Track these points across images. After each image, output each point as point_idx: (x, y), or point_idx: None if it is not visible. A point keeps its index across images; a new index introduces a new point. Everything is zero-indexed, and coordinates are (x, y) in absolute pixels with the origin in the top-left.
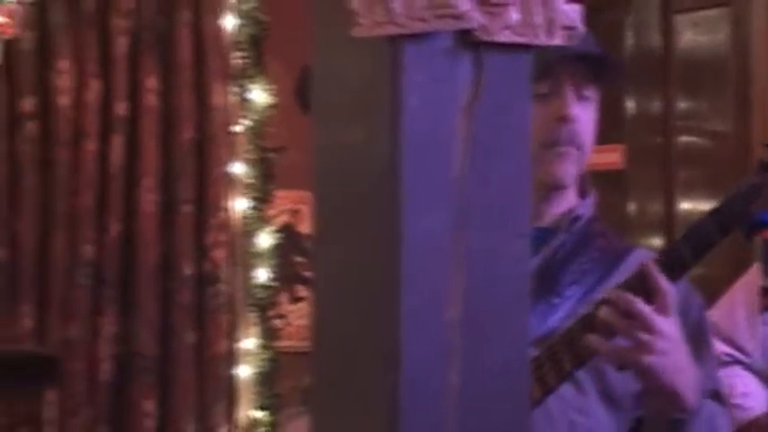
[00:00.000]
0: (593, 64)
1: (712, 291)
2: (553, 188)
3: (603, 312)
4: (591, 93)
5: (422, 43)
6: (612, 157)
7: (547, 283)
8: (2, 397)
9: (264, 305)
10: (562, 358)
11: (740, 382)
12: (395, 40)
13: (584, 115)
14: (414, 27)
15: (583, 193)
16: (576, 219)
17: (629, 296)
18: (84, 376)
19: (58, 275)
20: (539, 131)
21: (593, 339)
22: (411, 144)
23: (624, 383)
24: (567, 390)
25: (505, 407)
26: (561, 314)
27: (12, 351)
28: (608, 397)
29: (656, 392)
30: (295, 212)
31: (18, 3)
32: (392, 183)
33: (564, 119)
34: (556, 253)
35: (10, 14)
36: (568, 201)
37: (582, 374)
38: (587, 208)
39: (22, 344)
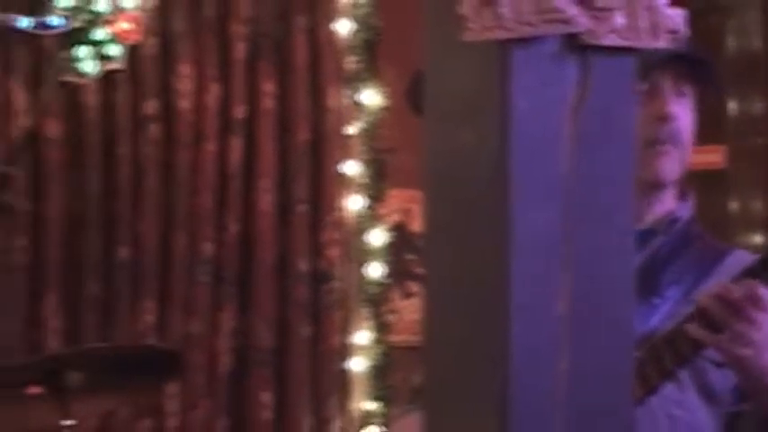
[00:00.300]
0: (691, 64)
1: None
2: (654, 187)
3: (705, 301)
4: (689, 92)
5: (530, 47)
6: (714, 158)
7: (647, 284)
8: (126, 390)
9: (377, 301)
10: (664, 357)
11: None
12: (504, 45)
13: (683, 114)
14: (522, 31)
15: (682, 195)
16: (676, 221)
17: (733, 286)
18: (204, 369)
19: (179, 273)
20: (639, 131)
21: (694, 329)
22: (520, 145)
23: (723, 380)
24: (667, 386)
25: (611, 400)
26: (662, 314)
27: (135, 346)
28: (707, 393)
29: (754, 387)
30: (407, 211)
31: (142, 10)
32: (502, 183)
33: (664, 118)
34: (656, 254)
35: (134, 21)
36: (668, 202)
37: (682, 372)
38: (686, 210)
39: (145, 339)
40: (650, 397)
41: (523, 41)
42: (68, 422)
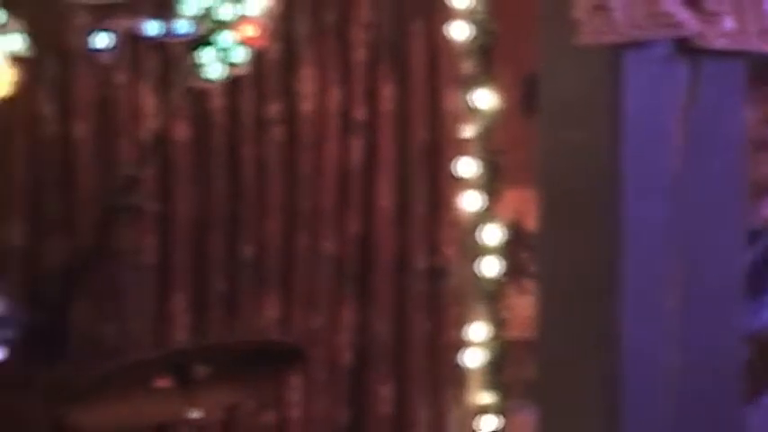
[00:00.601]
0: None
1: None
2: (765, 189)
3: None
4: None
5: (641, 50)
6: None
7: (756, 282)
8: (250, 382)
9: (492, 297)
10: None
11: None
12: (616, 48)
13: None
14: (634, 35)
15: None
16: None
17: None
18: (325, 363)
19: (301, 270)
20: (748, 132)
21: None
22: (631, 145)
23: None
24: None
25: (720, 393)
26: None
27: (259, 340)
28: None
29: None
30: (521, 210)
31: (266, 16)
32: (614, 182)
33: None
34: (765, 254)
35: (258, 27)
36: None
37: None
38: None
39: (269, 334)
40: (762, 396)
41: (635, 45)
42: (195, 413)
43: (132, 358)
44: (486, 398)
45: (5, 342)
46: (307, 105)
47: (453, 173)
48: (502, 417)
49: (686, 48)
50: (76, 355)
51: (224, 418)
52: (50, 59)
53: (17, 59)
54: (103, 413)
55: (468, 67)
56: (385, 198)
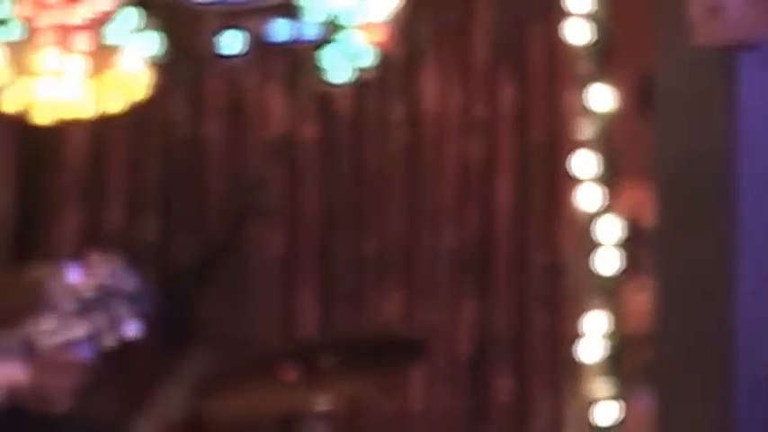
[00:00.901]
0: None
1: None
2: None
3: None
4: None
5: (756, 51)
6: None
7: None
8: (374, 374)
9: (609, 292)
10: None
11: None
12: (731, 48)
13: None
14: (749, 36)
15: None
16: None
17: None
18: (446, 356)
19: (423, 265)
20: None
21: None
22: (747, 144)
23: None
24: None
25: None
26: None
27: (383, 333)
28: None
29: None
30: (638, 207)
31: (390, 20)
32: (730, 179)
33: None
34: None
35: (383, 31)
36: None
37: None
38: None
39: (392, 327)
40: None
41: (750, 45)
42: (320, 404)
43: (260, 350)
44: (603, 389)
45: (140, 317)
46: (429, 106)
47: (571, 171)
48: (619, 407)
49: None
50: (206, 348)
51: (349, 409)
52: (183, 63)
53: (152, 63)
54: (232, 403)
55: (585, 67)
56: (504, 195)
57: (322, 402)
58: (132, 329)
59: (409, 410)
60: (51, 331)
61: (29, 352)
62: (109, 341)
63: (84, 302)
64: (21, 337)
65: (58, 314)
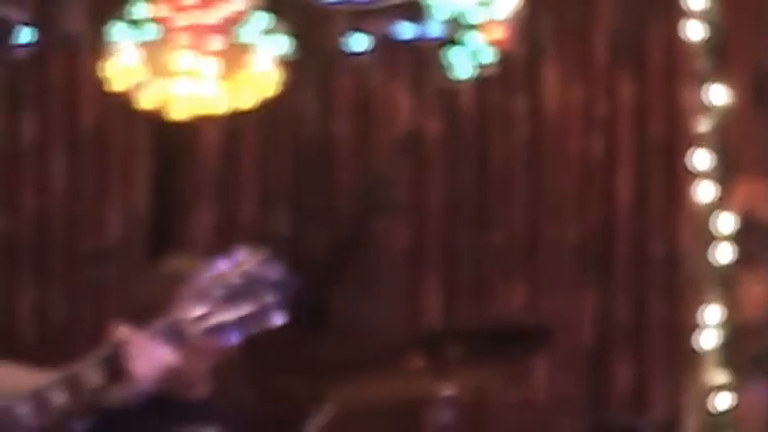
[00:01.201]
0: None
1: None
2: None
3: None
4: None
5: None
6: None
7: None
8: (498, 362)
9: (725, 282)
10: None
11: None
12: None
13: None
14: None
15: None
16: None
17: None
18: (568, 344)
19: (545, 256)
20: None
21: None
22: None
23: None
24: None
25: None
26: None
27: (506, 322)
28: None
29: None
30: (754, 200)
31: (512, 18)
32: None
33: None
34: None
35: (505, 29)
36: None
37: None
38: None
39: (516, 316)
40: None
41: None
42: (446, 392)
43: (388, 340)
44: (720, 377)
45: (283, 305)
46: (550, 102)
47: (688, 165)
48: (734, 396)
49: None
50: (336, 337)
51: (473, 397)
52: (312, 62)
53: (282, 62)
54: (361, 390)
55: (702, 64)
56: (624, 189)
57: (447, 390)
58: (277, 317)
59: (532, 398)
60: (201, 318)
61: (179, 338)
62: (255, 328)
63: (232, 290)
64: (171, 323)
65: (208, 301)
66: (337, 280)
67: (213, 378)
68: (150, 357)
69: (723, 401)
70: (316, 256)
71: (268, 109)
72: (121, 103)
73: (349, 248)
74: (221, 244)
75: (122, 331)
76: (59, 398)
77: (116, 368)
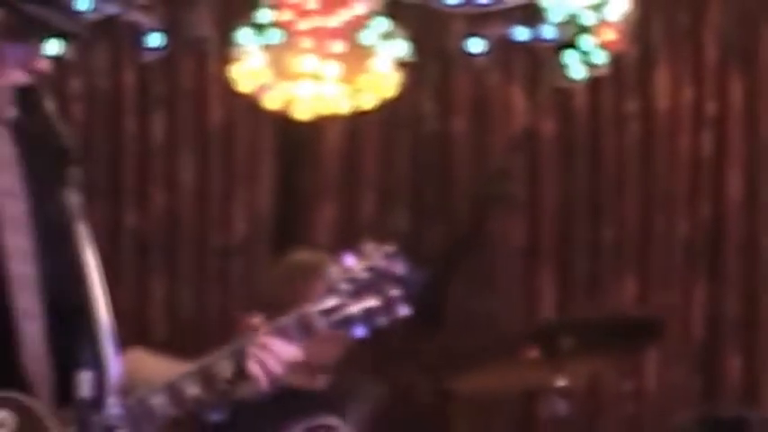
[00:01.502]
0: None
1: None
2: None
3: None
4: None
5: None
6: None
7: None
8: (611, 354)
9: None
10: None
11: None
12: None
13: None
14: None
15: None
16: None
17: None
18: (679, 337)
19: (657, 250)
20: None
21: None
22: None
23: None
24: None
25: None
26: None
27: (619, 315)
28: None
29: None
30: None
31: (624, 21)
32: None
33: None
34: None
35: (617, 31)
36: None
37: None
38: None
39: (628, 309)
40: None
41: None
42: (561, 382)
43: (504, 332)
44: None
45: (407, 299)
46: (661, 102)
47: None
48: None
49: None
50: (454, 330)
51: (587, 387)
52: (431, 63)
53: (401, 64)
54: (479, 381)
55: None
56: (733, 185)
57: (562, 381)
58: (403, 310)
59: (644, 389)
60: (329, 311)
61: (307, 330)
62: (381, 321)
63: (359, 283)
64: (300, 316)
65: (336, 295)
66: (455, 276)
67: (336, 370)
68: (274, 358)
69: None
70: (434, 252)
71: (388, 110)
72: (247, 104)
73: (466, 245)
74: (343, 241)
75: (254, 323)
76: (193, 389)
77: (244, 363)
